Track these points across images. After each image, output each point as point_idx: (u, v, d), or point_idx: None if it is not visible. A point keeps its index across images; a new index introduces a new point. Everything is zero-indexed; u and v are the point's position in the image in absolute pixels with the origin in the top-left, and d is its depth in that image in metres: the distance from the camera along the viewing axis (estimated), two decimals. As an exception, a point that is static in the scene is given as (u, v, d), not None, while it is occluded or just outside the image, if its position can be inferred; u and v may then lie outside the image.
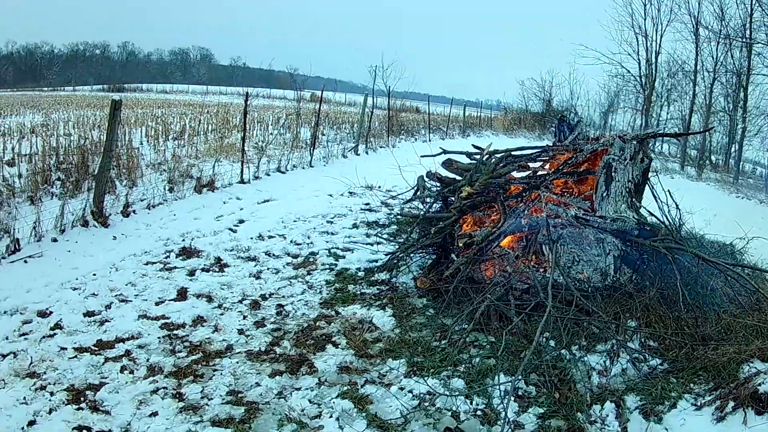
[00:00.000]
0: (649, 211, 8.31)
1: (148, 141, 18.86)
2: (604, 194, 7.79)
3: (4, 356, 6.09)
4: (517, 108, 53.52)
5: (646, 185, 8.28)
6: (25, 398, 5.37)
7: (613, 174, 7.80)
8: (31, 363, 5.98)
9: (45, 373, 5.82)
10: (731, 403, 5.06)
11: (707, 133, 36.04)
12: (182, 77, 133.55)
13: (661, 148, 41.67)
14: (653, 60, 41.07)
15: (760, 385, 4.98)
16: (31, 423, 5.05)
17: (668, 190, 8.34)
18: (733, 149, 37.61)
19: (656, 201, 8.37)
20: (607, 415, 5.38)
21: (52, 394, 5.47)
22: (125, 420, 5.17)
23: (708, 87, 37.96)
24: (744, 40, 34.98)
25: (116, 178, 12.58)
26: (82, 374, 5.84)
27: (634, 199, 7.83)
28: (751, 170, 40.68)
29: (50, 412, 5.21)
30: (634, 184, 7.83)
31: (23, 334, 6.61)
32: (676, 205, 8.33)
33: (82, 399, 5.44)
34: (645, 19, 41.22)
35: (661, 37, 40.31)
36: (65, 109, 33.96)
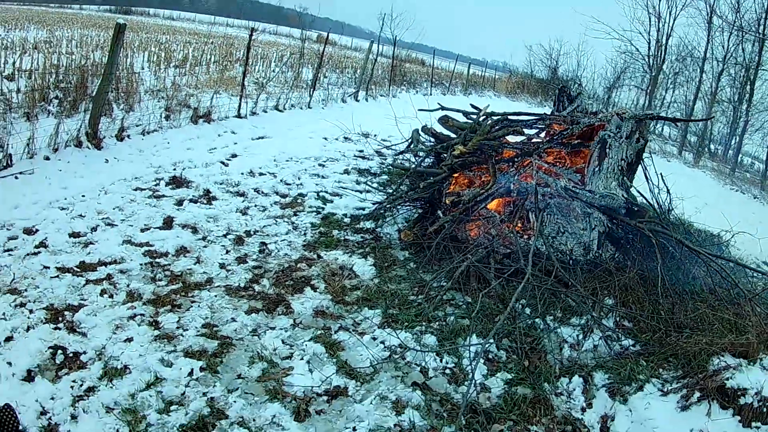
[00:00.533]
0: (639, 192, 8.34)
1: (149, 67, 18.77)
2: (596, 169, 7.79)
3: (-14, 270, 6.13)
4: (522, 72, 53.06)
5: (640, 166, 8.31)
6: (3, 314, 5.46)
7: (607, 150, 7.79)
8: (13, 279, 6.06)
9: (26, 290, 5.90)
10: (697, 394, 5.12)
11: (708, 121, 35.81)
12: (190, 5, 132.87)
13: (662, 130, 41.39)
14: (663, 42, 40.65)
15: (727, 379, 5.04)
16: (8, 339, 5.14)
17: (661, 174, 8.36)
18: (733, 141, 37.19)
19: (648, 182, 8.39)
20: (574, 389, 5.43)
21: (31, 311, 5.55)
22: (100, 343, 5.26)
23: (715, 76, 37.39)
24: (757, 34, 34.68)
25: (114, 102, 12.58)
26: (62, 294, 5.93)
27: (625, 178, 7.87)
28: (750, 164, 40.48)
29: (28, 329, 5.30)
30: (627, 163, 7.87)
31: (7, 250, 6.70)
32: (667, 190, 8.36)
33: (60, 319, 5.53)
34: (660, 0, 40.84)
35: (674, 20, 39.77)
36: (70, 27, 33.67)
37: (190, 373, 5.06)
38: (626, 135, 7.82)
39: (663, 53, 40.68)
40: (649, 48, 41.32)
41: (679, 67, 41.06)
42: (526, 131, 9.25)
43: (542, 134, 9.47)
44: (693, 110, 38.05)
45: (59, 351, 5.08)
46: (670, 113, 36.74)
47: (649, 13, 40.93)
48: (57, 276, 6.25)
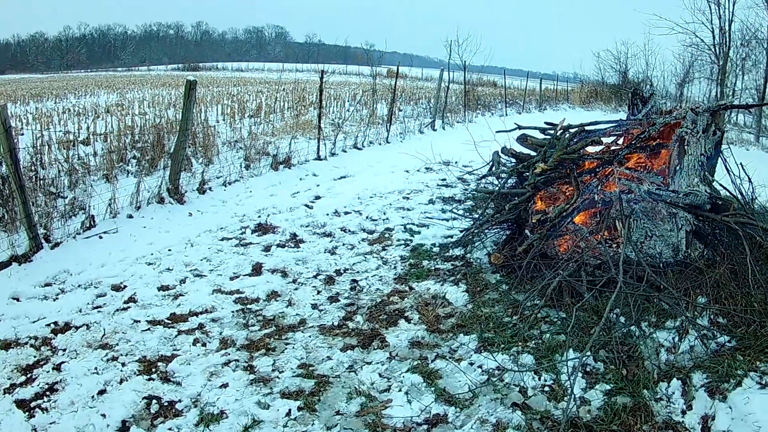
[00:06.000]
0: (722, 185, 8.15)
1: (224, 119, 19.14)
2: (677, 168, 7.66)
3: (77, 328, 6.31)
4: (593, 80, 52.45)
5: (719, 158, 8.13)
6: (96, 368, 5.54)
7: (685, 147, 7.66)
8: (104, 335, 6.18)
9: (117, 344, 6.00)
10: (797, 382, 4.99)
11: (781, 103, 34.78)
12: (257, 55, 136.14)
13: (737, 118, 40.46)
14: (726, 28, 39.52)
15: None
16: (102, 392, 5.21)
17: (740, 163, 8.18)
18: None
19: (729, 174, 8.18)
20: (673, 393, 5.29)
21: (123, 364, 5.64)
22: (195, 391, 5.29)
23: (782, 55, 36.63)
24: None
25: (192, 156, 12.94)
26: (155, 346, 6.01)
27: (706, 173, 7.72)
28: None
29: (121, 381, 5.37)
30: (706, 157, 7.72)
31: (97, 307, 6.84)
32: (749, 179, 8.17)
33: (153, 370, 5.59)
34: (717, -14, 39.92)
35: (734, 4, 38.92)
36: (140, 88, 34.73)
37: (288, 414, 5.05)
38: (702, 129, 7.66)
39: (728, 40, 39.89)
40: (714, 37, 40.45)
41: (745, 51, 40.23)
42: (604, 140, 9.17)
43: (620, 140, 9.37)
44: (765, 94, 36.83)
45: (154, 401, 5.13)
46: (742, 100, 35.85)
47: (708, 1, 40.21)
48: (148, 329, 6.35)
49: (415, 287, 7.73)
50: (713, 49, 40.35)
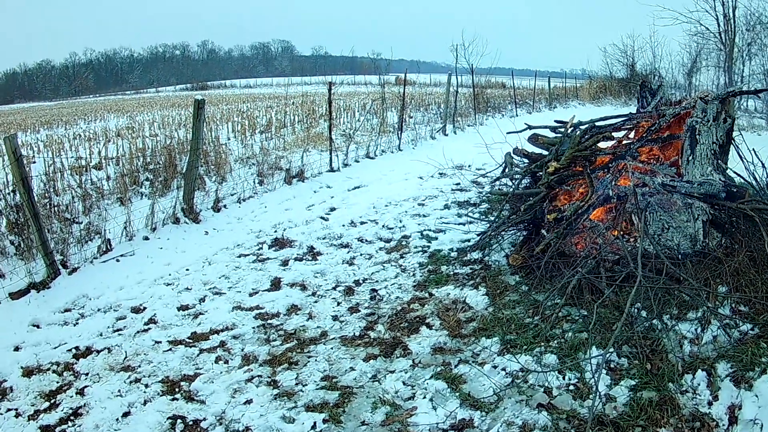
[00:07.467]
0: (735, 172, 8.09)
1: (235, 136, 19.17)
2: (690, 158, 7.62)
3: (98, 352, 6.32)
4: (601, 75, 52.02)
5: (731, 145, 8.05)
6: (119, 391, 5.55)
7: (697, 137, 7.61)
8: (126, 357, 6.18)
9: (139, 366, 6.01)
10: (821, 366, 4.95)
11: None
12: (265, 70, 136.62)
13: (746, 104, 40.21)
14: (731, 14, 39.30)
15: None
16: (126, 414, 5.22)
17: (753, 149, 8.11)
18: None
19: (742, 161, 8.12)
20: (699, 384, 5.23)
21: (146, 386, 5.64)
22: (220, 408, 5.29)
23: (787, 37, 36.37)
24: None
25: (205, 175, 12.90)
26: (177, 366, 6.02)
27: (720, 161, 7.65)
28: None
29: (145, 403, 5.38)
30: (719, 145, 7.64)
31: (117, 330, 6.87)
32: (762, 164, 8.10)
33: (176, 390, 5.60)
34: (717, -28, 39.60)
35: (736, -11, 38.82)
36: (149, 110, 34.86)
37: (313, 427, 5.04)
38: (713, 117, 7.60)
39: (733, 26, 39.67)
40: (718, 24, 40.23)
41: (750, 36, 39.98)
42: (615, 134, 9.14)
43: (632, 134, 9.34)
44: (773, 77, 36.80)
45: (179, 420, 5.13)
46: (751, 85, 35.53)
47: (710, -13, 39.94)
48: (170, 349, 6.37)
49: (434, 293, 7.68)
50: (719, 37, 40.10)
